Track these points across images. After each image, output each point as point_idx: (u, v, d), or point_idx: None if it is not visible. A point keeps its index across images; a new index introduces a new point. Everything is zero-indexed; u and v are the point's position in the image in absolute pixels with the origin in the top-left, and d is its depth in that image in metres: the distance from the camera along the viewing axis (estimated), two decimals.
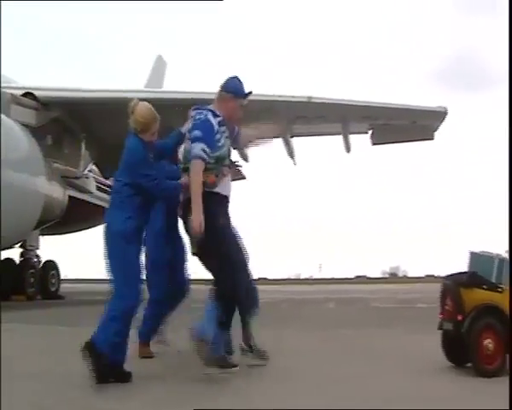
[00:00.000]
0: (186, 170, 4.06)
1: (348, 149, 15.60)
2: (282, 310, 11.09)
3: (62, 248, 23.93)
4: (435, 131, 15.79)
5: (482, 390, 3.57)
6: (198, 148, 3.93)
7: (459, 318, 3.97)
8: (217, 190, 4.06)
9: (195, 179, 3.90)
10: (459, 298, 4.02)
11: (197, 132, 3.99)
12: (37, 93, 13.61)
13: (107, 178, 18.66)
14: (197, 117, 4.10)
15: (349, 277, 47.64)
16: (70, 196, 15.59)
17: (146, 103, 3.97)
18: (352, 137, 15.62)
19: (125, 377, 3.74)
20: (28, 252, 15.66)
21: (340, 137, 15.57)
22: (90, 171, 17.36)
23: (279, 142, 15.02)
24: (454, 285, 4.12)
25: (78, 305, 14.38)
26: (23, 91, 13.53)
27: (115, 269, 3.79)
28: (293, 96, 14.29)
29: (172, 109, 13.89)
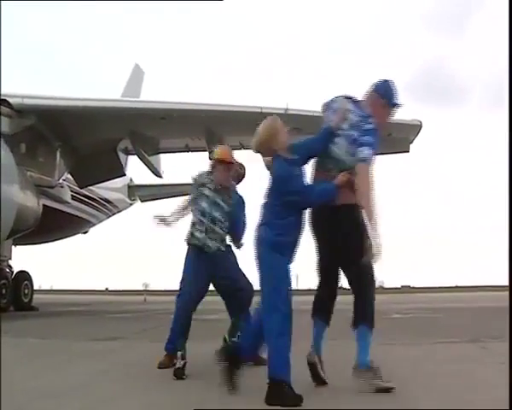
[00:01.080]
0: (342, 169, 3.86)
1: None
2: None
3: (36, 258, 23.60)
4: (411, 143, 16.02)
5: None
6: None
7: None
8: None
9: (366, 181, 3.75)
10: None
11: (371, 139, 3.84)
12: (11, 100, 13.41)
13: (82, 188, 18.48)
14: (365, 125, 3.90)
15: None
16: (44, 206, 15.32)
17: (266, 120, 3.87)
18: None
19: (296, 400, 3.45)
20: (0, 262, 15.36)
21: None
22: (64, 180, 17.12)
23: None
24: None
25: (51, 316, 14.12)
26: None
27: (269, 283, 3.66)
28: (269, 108, 14.36)
29: (149, 119, 13.96)
